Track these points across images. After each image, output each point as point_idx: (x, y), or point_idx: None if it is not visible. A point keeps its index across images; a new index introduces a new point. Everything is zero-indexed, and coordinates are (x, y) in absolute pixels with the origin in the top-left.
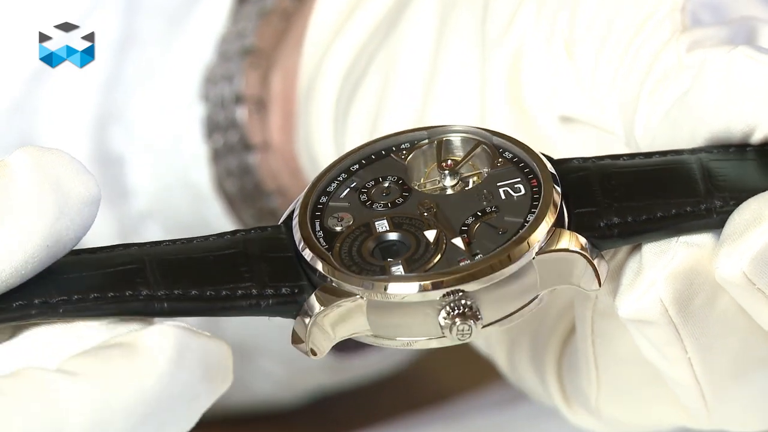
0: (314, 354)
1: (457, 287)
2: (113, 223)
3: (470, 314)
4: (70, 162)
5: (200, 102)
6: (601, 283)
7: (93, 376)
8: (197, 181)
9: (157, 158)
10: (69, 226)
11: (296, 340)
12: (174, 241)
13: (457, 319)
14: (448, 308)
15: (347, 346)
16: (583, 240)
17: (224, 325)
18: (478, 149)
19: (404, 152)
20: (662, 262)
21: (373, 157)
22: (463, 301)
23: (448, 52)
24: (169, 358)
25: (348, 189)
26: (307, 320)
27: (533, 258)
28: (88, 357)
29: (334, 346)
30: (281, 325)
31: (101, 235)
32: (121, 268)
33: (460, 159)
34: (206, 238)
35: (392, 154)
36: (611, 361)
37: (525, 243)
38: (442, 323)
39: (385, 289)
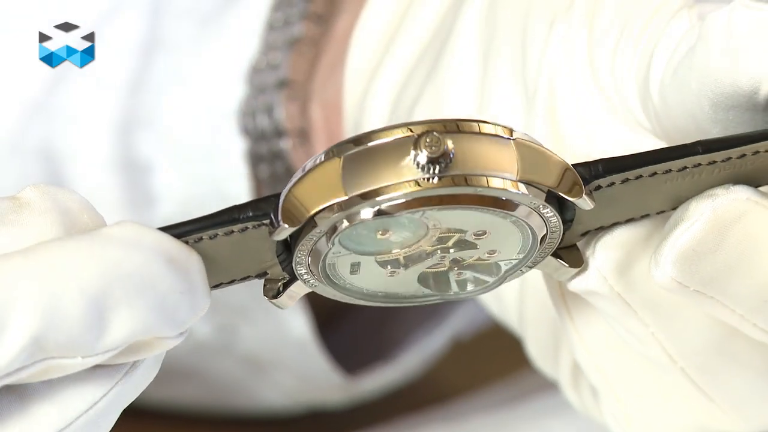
0: (289, 222)
1: (434, 127)
2: None
3: (445, 146)
4: (81, 200)
5: (239, 136)
6: (584, 191)
7: (45, 252)
8: (235, 194)
9: (189, 166)
10: None
11: (272, 223)
12: None
13: (430, 147)
14: (423, 143)
15: (358, 364)
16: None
17: (241, 338)
18: None
19: None
20: (599, 234)
21: None
22: (437, 136)
23: (493, 92)
24: (121, 239)
25: None
26: (283, 193)
27: (513, 138)
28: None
29: (343, 366)
30: (301, 342)
31: None
32: None
33: None
34: None
35: None
36: (605, 351)
37: (510, 127)
38: (417, 158)
39: (364, 138)
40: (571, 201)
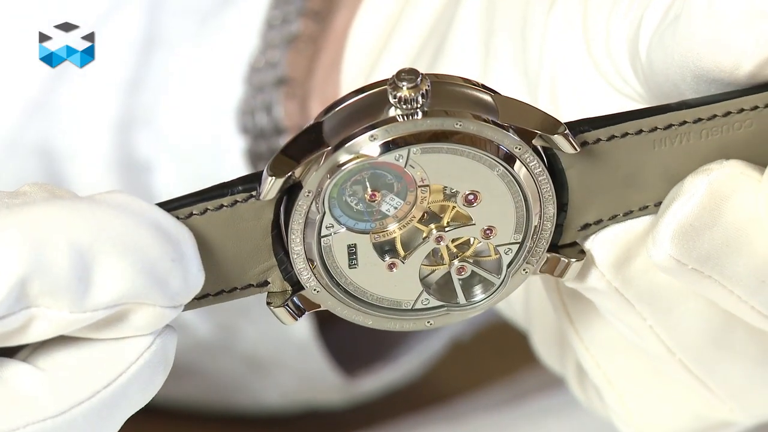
0: (275, 173)
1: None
2: None
3: (419, 80)
4: (80, 198)
5: (239, 135)
6: (565, 129)
7: (30, 207)
8: None
9: (189, 165)
10: None
11: (259, 194)
12: None
13: (407, 79)
14: (400, 78)
15: (358, 364)
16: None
17: (241, 337)
18: None
19: None
20: (594, 231)
21: None
22: (413, 69)
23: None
24: (109, 203)
25: None
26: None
27: (493, 94)
28: None
29: (343, 366)
30: (301, 342)
31: None
32: None
33: None
34: None
35: None
36: (604, 349)
37: (490, 87)
38: (398, 94)
39: (345, 98)
40: (552, 140)
